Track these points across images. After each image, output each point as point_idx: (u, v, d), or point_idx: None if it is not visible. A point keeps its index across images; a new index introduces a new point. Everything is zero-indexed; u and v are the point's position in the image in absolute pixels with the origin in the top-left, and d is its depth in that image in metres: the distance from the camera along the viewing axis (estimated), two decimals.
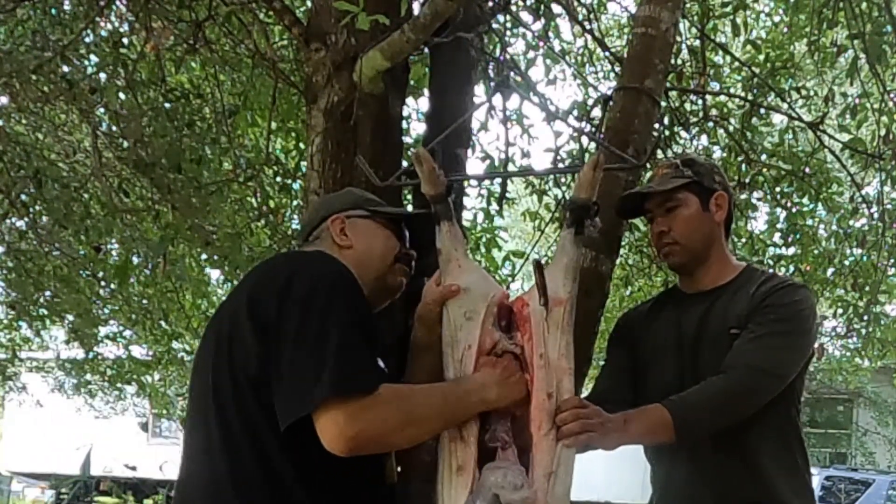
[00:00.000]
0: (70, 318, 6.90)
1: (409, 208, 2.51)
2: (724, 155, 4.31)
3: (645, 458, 2.14)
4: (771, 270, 4.49)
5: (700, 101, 4.10)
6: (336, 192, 1.98)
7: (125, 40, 3.95)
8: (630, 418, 1.75)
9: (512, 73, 3.60)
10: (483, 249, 4.30)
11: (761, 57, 4.63)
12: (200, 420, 1.52)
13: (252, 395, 1.44)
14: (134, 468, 13.53)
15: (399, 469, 2.24)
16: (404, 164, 2.44)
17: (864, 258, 4.60)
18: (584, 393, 2.26)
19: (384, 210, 1.77)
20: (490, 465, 1.53)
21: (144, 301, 6.29)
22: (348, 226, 1.72)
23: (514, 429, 1.60)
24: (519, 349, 1.62)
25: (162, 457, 13.33)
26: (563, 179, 4.15)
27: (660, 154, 3.85)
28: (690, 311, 2.02)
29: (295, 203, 4.44)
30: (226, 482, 1.45)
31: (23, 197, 4.62)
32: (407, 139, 3.59)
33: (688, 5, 4.06)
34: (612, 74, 4.45)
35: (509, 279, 4.34)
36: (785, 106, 4.39)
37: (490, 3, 2.86)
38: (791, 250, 4.71)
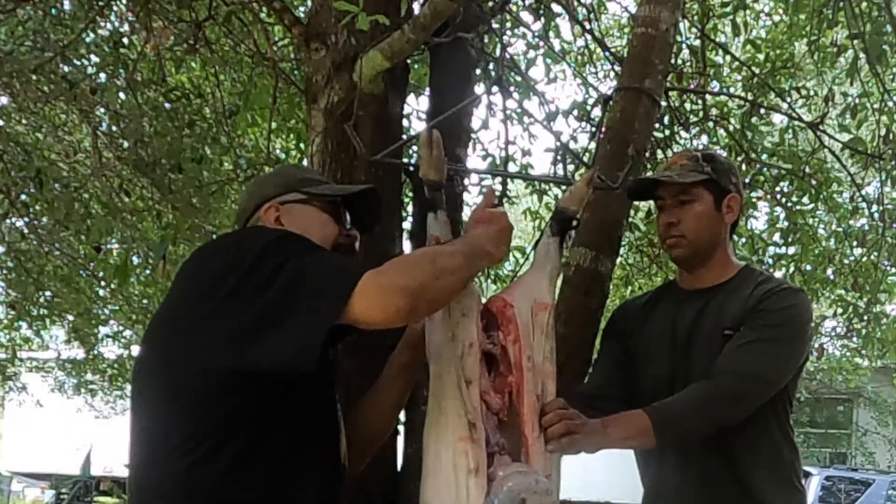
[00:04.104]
0: (70, 318, 6.91)
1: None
2: (725, 155, 4.31)
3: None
4: (771, 270, 4.51)
5: (700, 101, 4.10)
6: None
7: (125, 40, 3.96)
8: (610, 423, 1.74)
9: (512, 73, 3.60)
10: None
11: (761, 57, 4.64)
12: (148, 423, 1.44)
13: (221, 388, 1.36)
14: None
15: (399, 469, 2.25)
16: (404, 160, 2.44)
17: (864, 258, 4.60)
18: None
19: (320, 192, 1.65)
20: (515, 470, 1.51)
21: (144, 301, 6.30)
22: (283, 213, 1.62)
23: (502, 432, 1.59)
24: (499, 349, 1.60)
25: None
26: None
27: (660, 155, 3.85)
28: (686, 308, 2.01)
29: None
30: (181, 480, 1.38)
31: (23, 197, 4.63)
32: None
33: (688, 5, 4.07)
34: (612, 74, 4.45)
35: (512, 275, 4.35)
36: (785, 106, 4.40)
37: (490, 3, 2.86)
38: (791, 250, 4.71)
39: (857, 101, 4.16)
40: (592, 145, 3.53)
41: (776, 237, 4.78)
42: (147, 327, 1.54)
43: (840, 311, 5.04)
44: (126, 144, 4.29)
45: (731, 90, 4.65)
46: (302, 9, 3.84)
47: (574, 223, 1.74)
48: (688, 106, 4.11)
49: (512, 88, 3.75)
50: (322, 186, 1.68)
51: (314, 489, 1.48)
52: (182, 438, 1.37)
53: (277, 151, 4.56)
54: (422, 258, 1.46)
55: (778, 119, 4.94)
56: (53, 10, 3.99)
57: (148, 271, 5.34)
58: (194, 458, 1.36)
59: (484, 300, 1.68)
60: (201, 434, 1.37)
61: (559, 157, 3.65)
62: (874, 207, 4.35)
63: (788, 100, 4.41)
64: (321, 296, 1.32)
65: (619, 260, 3.32)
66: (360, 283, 1.32)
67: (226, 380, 1.37)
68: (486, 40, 2.96)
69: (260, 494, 1.40)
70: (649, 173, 3.05)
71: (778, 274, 4.56)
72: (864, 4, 3.85)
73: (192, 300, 1.42)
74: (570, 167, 3.67)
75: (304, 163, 2.72)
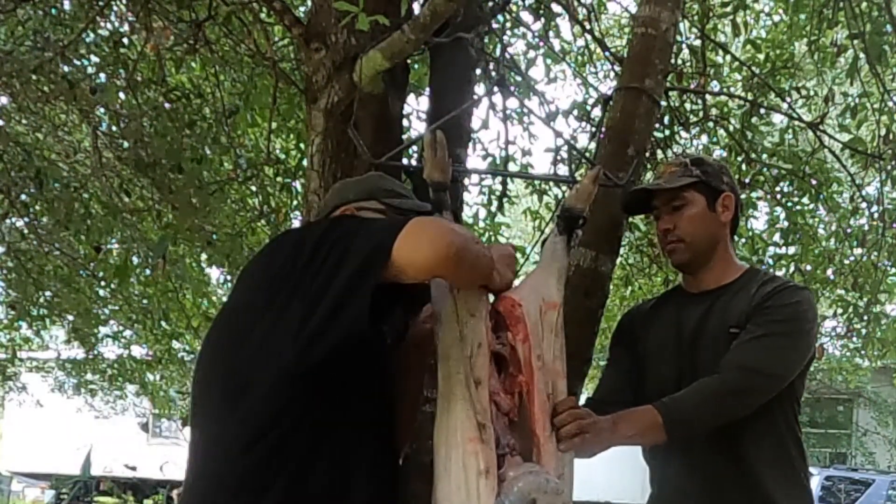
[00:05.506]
0: (70, 318, 6.91)
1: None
2: (725, 155, 4.31)
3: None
4: (771, 270, 4.51)
5: (700, 101, 4.10)
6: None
7: (125, 40, 3.96)
8: (620, 419, 1.75)
9: (512, 73, 3.60)
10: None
11: (761, 57, 4.63)
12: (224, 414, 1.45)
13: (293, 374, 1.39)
14: (134, 468, 13.54)
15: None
16: (404, 161, 2.44)
17: (864, 258, 4.60)
18: (585, 393, 2.26)
19: (398, 204, 1.69)
20: (525, 470, 1.50)
21: (144, 301, 6.30)
22: None
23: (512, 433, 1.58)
24: (508, 349, 1.59)
25: (162, 457, 13.34)
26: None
27: (660, 155, 3.85)
28: (691, 310, 2.02)
29: (295, 203, 4.45)
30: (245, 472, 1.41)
31: (23, 197, 4.63)
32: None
33: (688, 5, 4.06)
34: (612, 74, 4.45)
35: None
36: (785, 106, 4.39)
37: (490, 3, 2.86)
38: (791, 250, 4.71)
39: (857, 101, 4.16)
40: (592, 145, 3.53)
41: (776, 237, 4.77)
42: (211, 328, 1.56)
43: (840, 311, 5.04)
44: (126, 144, 4.29)
45: (731, 90, 4.65)
46: (302, 9, 3.84)
47: (581, 222, 1.74)
48: (688, 106, 4.11)
49: (512, 88, 3.75)
50: (402, 200, 1.71)
51: (373, 488, 1.49)
52: (244, 433, 1.39)
53: (277, 151, 4.56)
54: (455, 225, 1.47)
55: (778, 119, 4.94)
56: (53, 10, 3.99)
57: (148, 271, 5.34)
58: (257, 454, 1.39)
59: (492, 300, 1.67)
60: (263, 431, 1.39)
61: (560, 157, 3.66)
62: (874, 207, 4.35)
63: (788, 100, 4.41)
64: (364, 253, 1.36)
65: (619, 260, 3.32)
66: (407, 227, 1.35)
67: (291, 372, 1.39)
68: (486, 40, 2.96)
69: (319, 492, 1.42)
70: (648, 174, 3.05)
71: (778, 274, 4.56)
72: (864, 4, 3.85)
73: (258, 297, 1.44)
74: (572, 166, 3.69)
75: (304, 163, 2.73)
